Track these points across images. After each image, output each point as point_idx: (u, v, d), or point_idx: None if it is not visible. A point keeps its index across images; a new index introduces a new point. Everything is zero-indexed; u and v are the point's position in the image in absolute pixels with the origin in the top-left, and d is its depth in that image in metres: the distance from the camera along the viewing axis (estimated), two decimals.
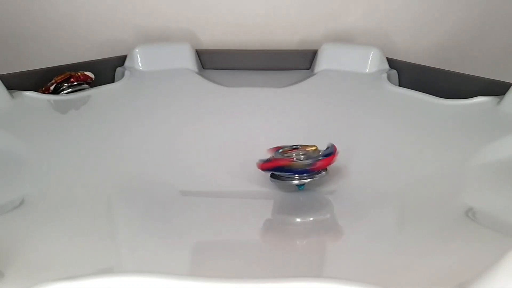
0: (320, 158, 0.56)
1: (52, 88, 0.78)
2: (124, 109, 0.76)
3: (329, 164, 0.57)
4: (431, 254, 0.46)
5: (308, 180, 0.57)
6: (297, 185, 0.57)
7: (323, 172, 0.57)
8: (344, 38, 0.98)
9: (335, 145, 0.58)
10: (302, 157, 0.57)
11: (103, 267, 0.45)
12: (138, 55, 0.87)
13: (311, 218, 0.56)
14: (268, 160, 0.58)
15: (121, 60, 0.88)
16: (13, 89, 0.75)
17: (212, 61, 0.91)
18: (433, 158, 0.63)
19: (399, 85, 0.83)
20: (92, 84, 0.80)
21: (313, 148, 0.57)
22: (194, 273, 0.46)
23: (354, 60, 0.86)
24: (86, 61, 0.85)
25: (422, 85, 0.81)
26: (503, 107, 0.70)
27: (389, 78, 0.83)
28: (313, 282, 0.36)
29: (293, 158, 0.56)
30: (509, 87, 0.71)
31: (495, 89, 0.75)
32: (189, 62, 0.88)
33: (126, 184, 0.60)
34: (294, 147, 0.58)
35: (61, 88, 0.78)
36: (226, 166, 0.63)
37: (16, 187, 0.57)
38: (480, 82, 0.79)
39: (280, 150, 0.58)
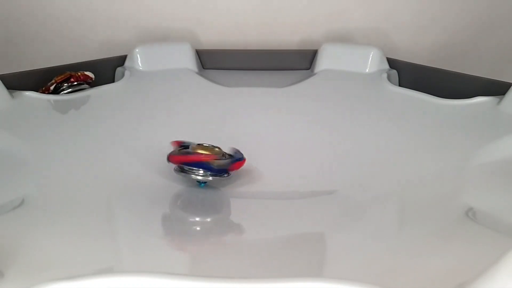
0: (234, 161, 0.58)
1: (52, 88, 0.78)
2: (124, 109, 0.76)
3: (239, 168, 0.59)
4: (431, 254, 0.46)
5: (211, 178, 0.58)
6: (199, 181, 0.59)
7: (225, 175, 0.59)
8: (344, 38, 0.98)
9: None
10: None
11: (103, 267, 0.45)
12: (138, 55, 0.87)
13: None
14: (188, 153, 0.58)
15: (121, 60, 0.88)
16: (13, 89, 0.75)
17: (212, 61, 0.91)
18: (433, 158, 0.63)
19: (399, 85, 0.83)
20: (92, 84, 0.80)
21: (217, 149, 0.59)
22: (194, 273, 0.46)
23: (354, 60, 0.86)
24: (86, 61, 0.85)
25: (422, 85, 0.81)
26: (503, 107, 0.70)
27: (389, 78, 0.83)
28: (313, 282, 0.36)
29: (216, 156, 0.58)
30: (509, 87, 0.71)
31: (495, 89, 0.75)
32: (189, 62, 0.88)
33: (126, 184, 0.60)
34: (205, 144, 0.59)
35: (61, 88, 0.78)
36: None
37: (16, 187, 0.57)
38: (480, 82, 0.79)
39: (194, 145, 0.59)
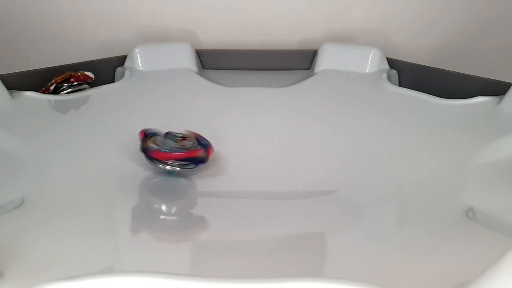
0: (178, 152, 0.59)
1: (52, 88, 0.78)
2: (124, 109, 0.76)
3: (181, 158, 0.59)
4: (431, 254, 0.46)
5: (178, 169, 0.59)
6: (168, 170, 0.60)
7: (194, 165, 0.60)
8: (344, 38, 0.98)
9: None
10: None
11: (103, 267, 0.45)
12: (138, 55, 0.87)
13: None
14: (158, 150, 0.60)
15: (121, 60, 0.88)
16: (13, 89, 0.75)
17: (212, 61, 0.91)
18: (433, 158, 0.63)
19: (399, 85, 0.83)
20: (92, 84, 0.80)
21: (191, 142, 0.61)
22: (194, 273, 0.46)
23: (354, 60, 0.86)
24: (86, 61, 0.85)
25: (422, 85, 0.81)
26: (503, 107, 0.70)
27: (389, 78, 0.83)
28: (313, 282, 0.36)
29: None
30: (509, 87, 0.71)
31: (495, 89, 0.75)
32: (189, 62, 0.88)
33: (125, 183, 0.60)
34: (180, 134, 0.62)
35: (61, 88, 0.78)
36: (225, 165, 0.63)
37: (16, 187, 0.57)
38: (480, 82, 0.79)
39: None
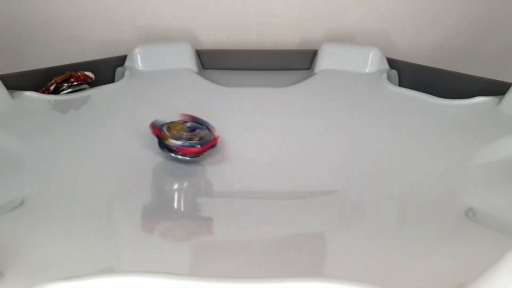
0: (187, 145, 0.62)
1: (52, 88, 0.78)
2: (124, 109, 0.76)
3: (197, 153, 0.62)
4: (431, 254, 0.46)
5: (188, 158, 0.62)
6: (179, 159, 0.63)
7: (200, 156, 0.63)
8: (344, 38, 0.98)
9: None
10: (182, 137, 0.62)
11: (103, 267, 0.45)
12: (138, 55, 0.87)
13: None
14: (159, 126, 0.63)
15: (121, 60, 0.88)
16: (13, 89, 0.75)
17: (212, 61, 0.91)
18: (433, 158, 0.63)
19: (399, 85, 0.83)
20: (92, 84, 0.80)
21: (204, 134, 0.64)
22: (194, 273, 0.46)
23: (354, 60, 0.86)
24: (86, 61, 0.85)
25: (422, 85, 0.81)
26: (503, 107, 0.70)
27: (389, 78, 0.83)
28: (313, 282, 0.36)
29: (168, 134, 0.62)
30: (509, 87, 0.71)
31: (495, 89, 0.75)
32: (189, 62, 0.88)
33: (125, 184, 0.60)
34: (200, 126, 0.64)
35: (61, 88, 0.78)
36: (225, 165, 0.63)
37: (16, 187, 0.57)
38: (480, 82, 0.79)
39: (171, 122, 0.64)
